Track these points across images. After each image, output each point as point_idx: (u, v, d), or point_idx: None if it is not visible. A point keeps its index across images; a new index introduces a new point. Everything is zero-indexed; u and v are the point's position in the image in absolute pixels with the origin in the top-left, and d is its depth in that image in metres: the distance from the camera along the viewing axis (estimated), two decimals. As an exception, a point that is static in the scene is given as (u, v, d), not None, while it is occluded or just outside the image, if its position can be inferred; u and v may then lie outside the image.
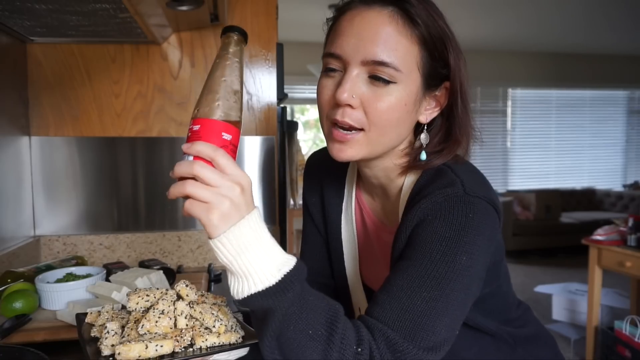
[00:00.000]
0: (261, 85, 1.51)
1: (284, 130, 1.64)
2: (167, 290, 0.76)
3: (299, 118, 5.83)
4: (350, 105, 0.66)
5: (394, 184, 0.76)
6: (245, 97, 1.51)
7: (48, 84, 1.42)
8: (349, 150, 0.69)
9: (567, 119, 6.62)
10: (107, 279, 1.08)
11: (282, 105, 1.66)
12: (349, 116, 0.66)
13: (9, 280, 1.05)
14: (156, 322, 0.68)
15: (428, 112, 0.72)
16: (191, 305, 0.72)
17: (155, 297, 0.74)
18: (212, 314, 0.71)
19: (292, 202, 2.83)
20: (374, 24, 0.65)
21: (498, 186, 6.32)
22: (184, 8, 1.14)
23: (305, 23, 4.50)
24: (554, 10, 4.49)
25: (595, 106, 6.71)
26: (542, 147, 6.58)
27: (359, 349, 0.57)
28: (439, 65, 0.69)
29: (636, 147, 6.91)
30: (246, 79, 1.50)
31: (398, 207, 0.75)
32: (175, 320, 0.70)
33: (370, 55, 0.64)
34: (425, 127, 0.72)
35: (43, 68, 1.41)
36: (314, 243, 0.93)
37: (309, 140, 5.80)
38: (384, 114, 0.66)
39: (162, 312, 0.70)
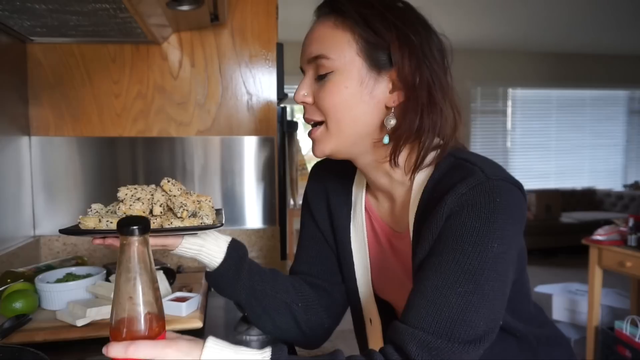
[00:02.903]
0: (261, 85, 1.51)
1: (284, 130, 1.64)
2: (156, 187, 0.83)
3: (299, 118, 5.84)
4: (306, 102, 0.74)
5: (399, 185, 0.76)
6: (245, 97, 1.51)
7: (48, 84, 1.42)
8: (319, 146, 0.74)
9: (567, 119, 6.62)
10: (107, 279, 1.08)
11: (282, 105, 1.66)
12: (308, 111, 0.74)
13: (9, 280, 1.05)
14: (130, 206, 0.77)
15: (395, 95, 0.70)
16: (168, 197, 0.80)
17: (143, 190, 0.82)
18: (183, 203, 0.78)
19: (292, 202, 2.83)
20: (314, 29, 0.74)
21: (498, 186, 6.31)
22: (184, 8, 1.14)
23: (305, 23, 4.47)
24: (554, 10, 4.49)
25: (595, 106, 6.71)
26: (542, 147, 6.58)
27: None
28: (381, 45, 0.69)
29: (636, 147, 6.91)
30: (246, 78, 1.51)
31: (408, 210, 0.74)
32: (152, 207, 0.78)
33: (309, 53, 0.73)
34: (394, 111, 0.71)
35: (43, 68, 1.41)
36: (313, 247, 0.91)
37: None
38: (327, 100, 0.71)
39: (138, 199, 0.78)
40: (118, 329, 0.56)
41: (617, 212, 5.91)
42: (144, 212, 0.78)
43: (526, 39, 5.60)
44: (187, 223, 0.77)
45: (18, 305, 0.94)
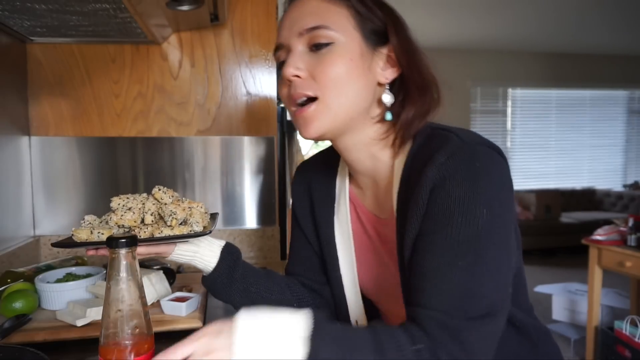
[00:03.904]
0: (261, 85, 1.52)
1: (284, 130, 1.64)
2: (147, 195, 0.84)
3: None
4: (298, 76, 0.68)
5: (382, 165, 0.74)
6: (245, 97, 1.51)
7: (48, 84, 1.42)
8: (314, 124, 0.68)
9: (567, 119, 6.63)
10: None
11: (282, 105, 1.66)
12: (299, 86, 0.68)
13: (9, 280, 1.05)
14: (121, 216, 0.78)
15: (387, 72, 0.71)
16: (159, 206, 0.80)
17: (135, 199, 0.83)
18: (172, 211, 0.78)
19: (292, 202, 2.83)
20: (301, 5, 0.70)
21: (498, 186, 6.31)
22: (184, 8, 1.14)
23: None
24: (554, 10, 4.49)
25: (595, 106, 6.72)
26: (542, 147, 6.58)
27: (416, 347, 0.56)
28: (374, 21, 0.70)
29: (636, 147, 6.91)
30: (246, 78, 1.51)
31: (392, 193, 0.72)
32: (144, 216, 0.80)
33: (302, 25, 0.68)
34: (388, 88, 0.71)
35: (43, 68, 1.41)
36: (301, 248, 0.91)
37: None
38: (330, 71, 0.67)
39: (130, 209, 0.79)
40: (107, 345, 0.57)
41: (617, 212, 5.91)
42: (135, 222, 0.79)
43: (526, 39, 5.60)
44: (177, 231, 0.77)
45: (18, 305, 0.94)
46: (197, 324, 0.94)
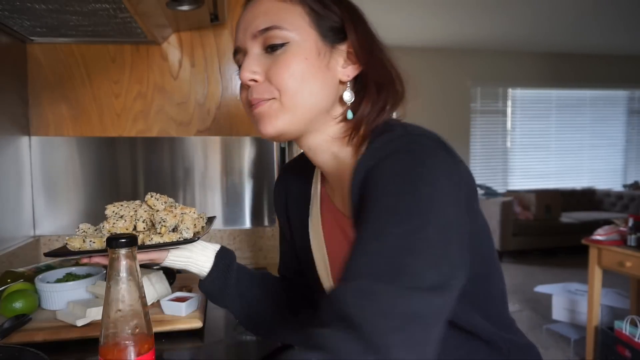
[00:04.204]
0: (261, 85, 1.51)
1: (284, 130, 1.64)
2: (141, 202, 0.85)
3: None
4: (255, 80, 0.67)
5: (345, 165, 0.72)
6: (245, 97, 1.51)
7: (48, 84, 1.42)
8: (271, 122, 0.67)
9: (567, 119, 6.63)
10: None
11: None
12: (257, 91, 0.66)
13: (9, 280, 1.05)
14: (113, 224, 0.79)
15: (348, 70, 0.69)
16: (151, 213, 0.81)
17: (128, 207, 0.83)
18: (162, 218, 0.78)
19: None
20: (254, 6, 0.69)
21: (498, 186, 6.33)
22: (184, 8, 1.14)
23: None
24: (554, 11, 4.49)
25: (595, 106, 6.72)
26: (542, 147, 6.58)
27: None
28: (331, 18, 0.68)
29: (636, 147, 6.91)
30: (246, 79, 1.51)
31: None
32: (136, 224, 0.80)
33: (256, 27, 0.67)
34: (349, 86, 0.69)
35: (43, 68, 1.41)
36: (287, 251, 0.91)
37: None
38: (285, 73, 0.65)
39: (121, 217, 0.80)
40: (107, 345, 0.57)
41: (617, 212, 5.91)
42: (127, 229, 0.80)
43: (526, 39, 5.61)
44: (167, 238, 0.77)
45: (18, 305, 0.94)
46: (197, 324, 0.94)
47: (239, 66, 0.70)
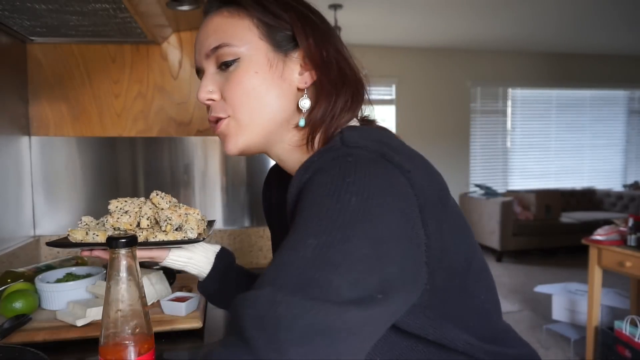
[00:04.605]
0: (261, 85, 1.51)
1: (284, 130, 1.64)
2: (145, 199, 0.85)
3: (299, 118, 5.82)
4: (213, 99, 0.67)
5: None
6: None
7: (48, 84, 1.42)
8: (231, 141, 0.67)
9: (567, 119, 6.63)
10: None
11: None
12: (214, 110, 0.68)
13: (9, 280, 1.05)
14: (117, 219, 0.79)
15: (305, 77, 0.67)
16: (156, 210, 0.81)
17: (132, 203, 0.83)
18: (167, 217, 0.78)
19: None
20: (205, 25, 0.69)
21: (498, 186, 6.33)
22: (184, 8, 1.14)
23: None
24: (554, 10, 4.49)
25: (595, 106, 6.72)
26: (542, 147, 6.59)
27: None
28: (282, 26, 0.66)
29: (636, 147, 6.92)
30: (246, 79, 1.51)
31: None
32: (140, 220, 0.81)
33: (207, 46, 0.67)
34: (307, 93, 0.68)
35: (43, 68, 1.41)
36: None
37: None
38: (236, 89, 0.65)
39: (126, 212, 0.80)
40: (107, 345, 0.57)
41: (617, 212, 5.91)
42: (130, 225, 0.80)
43: (526, 39, 5.61)
44: (171, 237, 0.77)
45: (18, 305, 0.94)
46: (197, 324, 0.94)
47: None
